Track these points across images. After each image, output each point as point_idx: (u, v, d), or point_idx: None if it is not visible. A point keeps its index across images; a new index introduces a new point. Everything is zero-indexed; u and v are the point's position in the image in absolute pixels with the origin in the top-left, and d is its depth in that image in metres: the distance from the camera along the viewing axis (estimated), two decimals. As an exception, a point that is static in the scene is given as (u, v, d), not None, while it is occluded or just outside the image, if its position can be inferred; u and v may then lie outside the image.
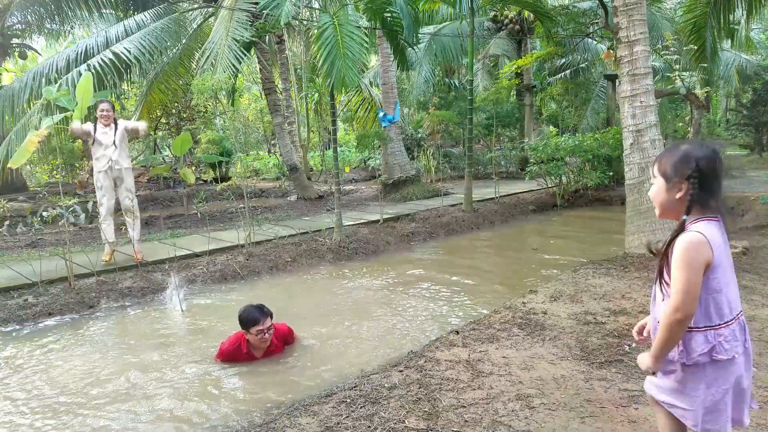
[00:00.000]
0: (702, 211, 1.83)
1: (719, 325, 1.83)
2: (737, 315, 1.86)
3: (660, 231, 5.89)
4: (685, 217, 1.84)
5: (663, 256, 1.87)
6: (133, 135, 7.12)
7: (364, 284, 6.56)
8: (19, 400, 3.83)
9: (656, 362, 1.88)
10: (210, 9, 11.75)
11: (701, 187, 1.81)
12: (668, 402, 1.91)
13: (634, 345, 3.59)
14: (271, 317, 4.15)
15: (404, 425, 2.73)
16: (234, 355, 4.16)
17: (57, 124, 6.51)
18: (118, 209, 7.06)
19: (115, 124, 6.75)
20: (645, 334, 2.05)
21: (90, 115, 7.23)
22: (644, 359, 1.92)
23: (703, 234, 1.77)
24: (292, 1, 7.06)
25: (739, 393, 1.89)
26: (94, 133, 6.68)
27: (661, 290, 1.90)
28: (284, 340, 4.38)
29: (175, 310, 5.63)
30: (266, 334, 4.06)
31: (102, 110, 6.70)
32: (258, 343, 4.11)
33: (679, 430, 1.95)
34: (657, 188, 1.92)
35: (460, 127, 13.95)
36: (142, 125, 7.09)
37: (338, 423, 2.80)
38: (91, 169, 10.25)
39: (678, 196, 1.85)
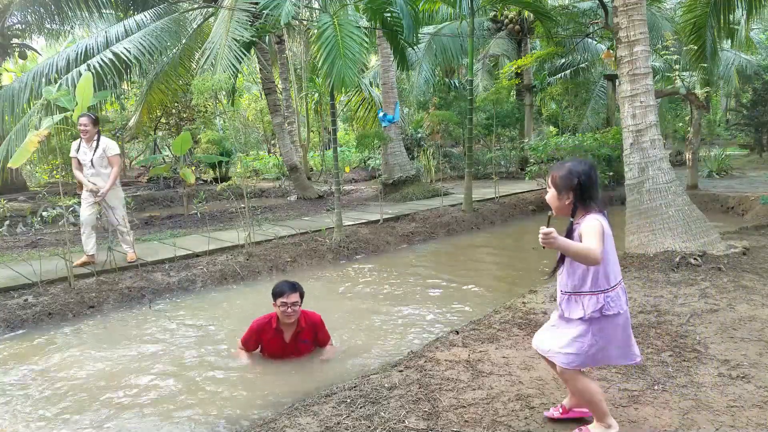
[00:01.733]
0: (585, 210, 2.45)
1: (607, 289, 2.45)
2: (619, 282, 2.50)
3: (660, 231, 5.89)
4: (571, 219, 2.46)
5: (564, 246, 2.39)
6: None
7: (364, 284, 6.56)
8: (19, 400, 3.83)
9: (555, 246, 2.33)
10: (210, 9, 11.74)
11: (582, 194, 2.44)
12: (559, 351, 2.50)
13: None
14: (302, 297, 4.10)
15: (404, 425, 2.73)
16: (262, 329, 4.13)
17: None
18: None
19: (98, 141, 6.44)
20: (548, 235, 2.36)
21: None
22: (558, 238, 2.31)
23: (599, 220, 2.40)
24: (292, 1, 7.06)
25: (622, 340, 2.50)
26: (77, 151, 6.46)
27: (568, 271, 2.51)
28: (315, 331, 4.22)
29: (164, 308, 5.64)
30: (289, 309, 4.00)
31: (80, 125, 6.35)
32: (282, 317, 4.05)
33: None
34: (551, 196, 2.54)
35: (460, 127, 13.93)
36: (110, 181, 6.48)
37: (338, 423, 2.80)
38: None
39: (567, 202, 2.47)
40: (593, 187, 2.45)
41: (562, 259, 2.52)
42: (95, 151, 6.46)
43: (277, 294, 4.04)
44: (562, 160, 2.19)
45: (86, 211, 6.57)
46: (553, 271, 2.62)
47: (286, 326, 4.15)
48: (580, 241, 2.38)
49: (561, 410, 2.77)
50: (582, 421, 2.69)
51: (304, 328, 4.18)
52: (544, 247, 2.34)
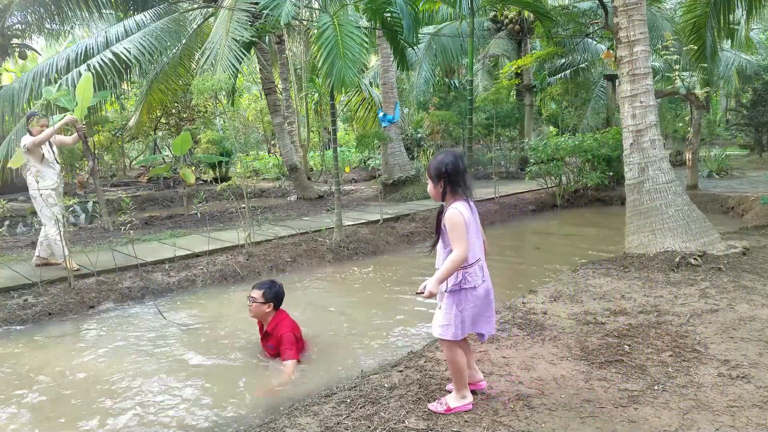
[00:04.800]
0: (454, 196, 2.83)
1: (466, 266, 2.79)
2: (477, 260, 2.84)
3: (660, 231, 5.89)
4: (442, 203, 2.88)
5: (437, 223, 2.88)
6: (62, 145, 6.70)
7: (364, 284, 6.57)
8: (19, 400, 3.84)
9: (437, 286, 2.70)
10: (210, 9, 11.74)
11: (450, 181, 2.82)
12: (436, 325, 2.84)
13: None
14: (265, 297, 4.22)
15: (404, 425, 2.73)
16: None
17: (54, 122, 6.50)
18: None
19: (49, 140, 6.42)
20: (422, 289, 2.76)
21: (90, 116, 7.18)
22: (429, 284, 2.67)
23: (459, 209, 2.76)
24: (292, 1, 7.06)
25: (485, 309, 2.87)
26: (43, 151, 6.33)
27: (443, 245, 2.86)
28: (278, 341, 4.12)
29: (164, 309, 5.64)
30: (248, 302, 4.29)
31: (43, 125, 6.29)
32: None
33: (465, 350, 2.94)
34: (429, 185, 2.92)
35: (460, 127, 13.94)
36: (66, 138, 6.64)
37: (338, 423, 2.80)
38: (91, 169, 10.27)
39: (440, 189, 2.85)
40: (459, 175, 2.83)
41: (434, 244, 2.95)
42: (52, 147, 6.46)
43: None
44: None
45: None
46: (431, 248, 3.02)
47: (262, 322, 4.36)
48: (446, 228, 2.79)
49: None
50: (474, 393, 3.01)
51: (270, 334, 4.22)
52: (427, 298, 2.71)
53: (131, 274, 6.41)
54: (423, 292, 2.69)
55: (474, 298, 2.82)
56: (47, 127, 6.32)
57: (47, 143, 6.37)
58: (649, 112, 6.02)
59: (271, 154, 22.11)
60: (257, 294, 4.23)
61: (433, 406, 2.90)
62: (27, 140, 6.19)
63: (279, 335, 4.15)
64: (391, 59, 10.89)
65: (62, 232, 6.17)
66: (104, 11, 12.59)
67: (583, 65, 16.15)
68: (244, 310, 5.54)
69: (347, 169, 17.08)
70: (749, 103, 16.03)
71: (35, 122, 6.25)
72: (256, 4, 8.07)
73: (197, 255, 7.20)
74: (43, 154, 6.32)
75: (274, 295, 4.26)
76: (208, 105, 15.44)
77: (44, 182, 6.27)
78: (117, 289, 6.01)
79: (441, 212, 2.87)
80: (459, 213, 2.76)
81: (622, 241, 6.49)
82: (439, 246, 2.92)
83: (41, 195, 6.19)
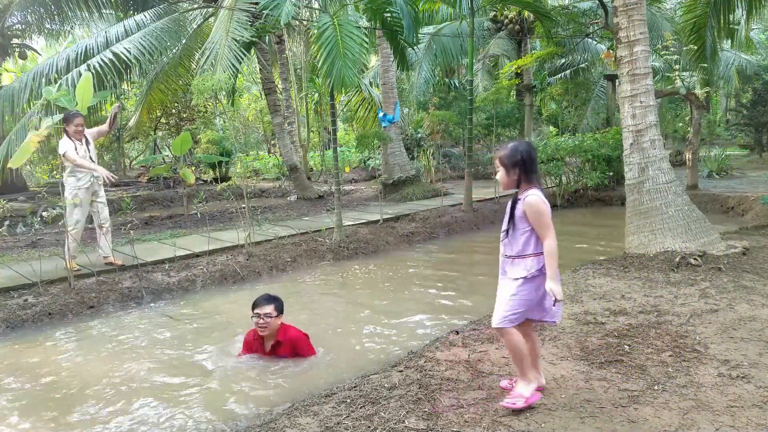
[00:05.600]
0: (529, 184, 2.86)
1: (542, 252, 2.82)
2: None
3: (660, 231, 5.89)
4: (516, 190, 2.89)
5: (511, 211, 2.89)
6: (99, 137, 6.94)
7: (364, 284, 6.57)
8: (19, 400, 3.84)
9: (559, 284, 2.75)
10: (210, 9, 11.74)
11: (526, 169, 2.83)
12: (515, 314, 2.83)
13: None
14: (277, 310, 4.13)
15: (404, 425, 2.73)
16: (249, 339, 4.26)
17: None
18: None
19: (86, 137, 6.54)
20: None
21: (90, 116, 7.19)
22: (555, 287, 2.72)
23: (540, 196, 2.81)
24: (292, 1, 7.06)
25: (545, 296, 2.86)
26: (76, 150, 6.37)
27: (509, 233, 2.90)
28: (293, 345, 4.18)
29: (165, 309, 5.64)
30: (261, 320, 4.06)
31: (78, 125, 6.38)
32: (256, 329, 4.13)
33: (524, 336, 2.92)
34: (500, 174, 2.91)
35: (460, 127, 13.93)
36: (104, 127, 6.95)
37: (338, 423, 2.80)
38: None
39: (514, 177, 2.86)
40: (534, 162, 2.86)
41: (507, 231, 2.93)
42: (89, 146, 6.53)
43: (253, 306, 4.12)
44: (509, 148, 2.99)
45: (85, 215, 6.60)
46: (505, 236, 2.95)
47: (266, 336, 4.19)
48: (525, 216, 2.82)
49: (513, 382, 3.05)
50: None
51: (282, 343, 4.17)
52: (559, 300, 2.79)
53: (131, 274, 6.41)
54: (560, 300, 2.75)
55: (543, 281, 2.83)
56: (83, 126, 6.43)
57: (84, 142, 6.46)
58: (649, 112, 6.02)
59: (271, 154, 22.11)
60: (270, 309, 4.07)
61: (508, 403, 2.83)
62: (63, 148, 6.27)
63: (292, 340, 4.17)
64: (391, 59, 10.90)
65: (80, 233, 6.50)
66: (104, 11, 12.58)
67: (583, 65, 16.15)
68: (244, 310, 5.55)
69: (347, 169, 17.08)
70: (749, 103, 16.03)
71: (72, 123, 6.34)
72: (256, 4, 8.07)
73: (197, 255, 7.20)
74: (79, 155, 6.42)
75: (282, 306, 4.21)
76: (208, 105, 15.44)
77: (78, 182, 6.42)
78: (117, 290, 6.01)
79: (515, 200, 2.88)
80: (541, 200, 2.79)
81: (622, 241, 6.49)
82: (507, 240, 2.91)
83: (69, 192, 6.37)
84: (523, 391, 2.87)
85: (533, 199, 2.79)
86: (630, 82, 6.05)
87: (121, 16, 12.31)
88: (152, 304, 5.88)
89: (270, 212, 10.91)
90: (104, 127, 7.02)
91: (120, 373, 4.16)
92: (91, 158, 6.53)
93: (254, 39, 8.59)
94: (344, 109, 18.31)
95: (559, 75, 16.53)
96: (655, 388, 3.02)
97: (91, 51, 9.88)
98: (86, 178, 6.46)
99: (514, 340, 2.85)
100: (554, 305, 2.84)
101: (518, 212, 2.85)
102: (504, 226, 2.94)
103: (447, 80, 17.93)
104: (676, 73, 8.94)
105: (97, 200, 6.62)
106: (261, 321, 4.07)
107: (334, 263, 7.40)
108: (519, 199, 2.86)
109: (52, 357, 4.57)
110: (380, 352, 4.38)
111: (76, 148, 6.36)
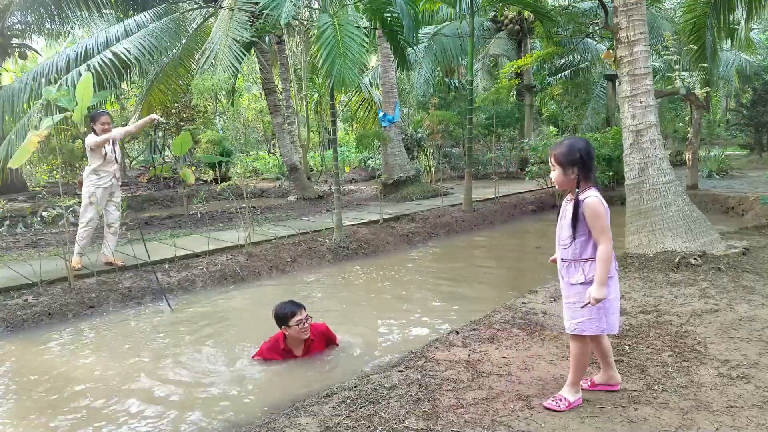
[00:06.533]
0: (587, 184, 2.70)
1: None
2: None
3: (660, 231, 5.88)
4: (577, 189, 2.70)
5: (574, 213, 2.70)
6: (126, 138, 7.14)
7: (364, 284, 6.57)
8: (18, 400, 3.83)
9: (602, 290, 2.61)
10: (210, 9, 11.74)
11: (584, 168, 2.67)
12: (572, 321, 2.77)
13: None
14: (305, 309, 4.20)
15: (404, 425, 2.73)
16: (272, 352, 4.21)
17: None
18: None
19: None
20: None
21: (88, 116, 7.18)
22: (593, 292, 2.61)
23: (599, 197, 2.67)
24: (292, 1, 7.05)
25: (616, 303, 2.76)
26: (106, 150, 6.42)
27: (569, 235, 2.75)
28: (325, 338, 4.34)
29: (165, 309, 5.64)
30: (306, 323, 4.11)
31: (105, 123, 6.38)
32: (298, 334, 4.11)
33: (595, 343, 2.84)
34: (557, 174, 2.74)
35: (460, 127, 13.92)
36: (130, 127, 7.12)
37: (338, 423, 2.79)
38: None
39: (572, 176, 2.69)
40: (592, 161, 2.70)
41: (573, 236, 2.74)
42: (115, 146, 6.60)
43: (288, 316, 4.09)
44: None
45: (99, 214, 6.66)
46: (571, 241, 2.77)
47: (294, 343, 4.19)
48: (585, 219, 2.67)
49: (590, 383, 3.03)
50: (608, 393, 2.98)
51: (314, 340, 4.25)
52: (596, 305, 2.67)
53: (131, 274, 6.41)
54: (589, 303, 2.63)
55: (614, 287, 2.75)
56: (110, 124, 6.46)
57: (111, 142, 6.49)
58: (649, 112, 6.02)
59: (271, 154, 22.11)
60: (305, 312, 4.15)
61: (551, 404, 2.82)
62: (90, 140, 6.33)
63: (321, 332, 4.32)
64: (391, 59, 10.89)
65: (90, 232, 6.53)
66: (104, 11, 12.59)
67: (583, 65, 16.14)
68: (244, 309, 5.56)
69: (347, 169, 17.09)
70: (749, 103, 16.03)
71: (99, 122, 6.35)
72: (256, 4, 8.07)
73: (197, 255, 7.20)
74: (106, 153, 6.44)
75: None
76: (208, 105, 15.45)
77: (99, 180, 6.44)
78: (117, 290, 6.01)
79: (577, 202, 2.69)
80: (600, 202, 2.65)
81: (622, 241, 6.49)
82: (565, 236, 2.78)
83: (86, 192, 6.40)
84: (568, 396, 2.84)
85: (593, 200, 2.65)
86: (630, 82, 6.05)
87: (121, 16, 12.32)
88: (151, 305, 5.87)
89: (270, 212, 10.91)
90: (131, 127, 7.20)
91: (119, 374, 4.16)
92: (116, 158, 6.59)
93: (254, 39, 8.61)
94: (344, 109, 18.32)
95: (559, 75, 16.52)
96: (655, 388, 3.02)
97: (91, 51, 9.89)
98: (107, 178, 6.47)
99: (586, 348, 2.79)
100: (582, 307, 2.70)
101: (581, 214, 2.69)
102: (567, 231, 2.76)
103: (447, 80, 17.93)
104: (676, 73, 8.94)
105: (112, 200, 6.64)
106: (307, 324, 4.12)
107: (334, 263, 7.40)
108: (580, 200, 2.70)
109: (52, 357, 4.57)
110: (380, 352, 4.38)
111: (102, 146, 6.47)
